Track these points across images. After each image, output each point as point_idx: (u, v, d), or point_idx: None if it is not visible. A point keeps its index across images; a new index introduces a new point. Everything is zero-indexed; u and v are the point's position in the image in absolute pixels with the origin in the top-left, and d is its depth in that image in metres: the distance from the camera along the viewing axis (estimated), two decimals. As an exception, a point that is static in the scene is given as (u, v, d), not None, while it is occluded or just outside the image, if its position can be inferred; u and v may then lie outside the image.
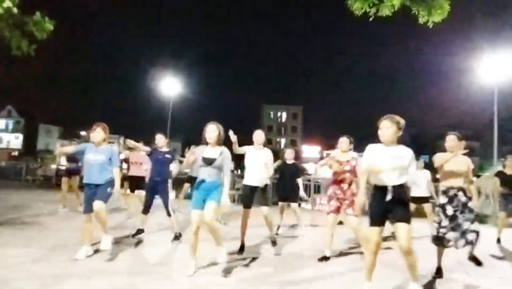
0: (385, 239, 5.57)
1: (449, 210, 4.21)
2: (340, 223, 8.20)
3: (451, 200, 4.23)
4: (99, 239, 4.57)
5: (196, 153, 4.22)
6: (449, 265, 4.58)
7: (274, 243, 5.20)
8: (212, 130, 4.09)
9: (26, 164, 19.71)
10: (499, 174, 6.77)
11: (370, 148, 3.56)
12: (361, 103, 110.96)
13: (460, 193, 4.24)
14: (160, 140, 5.81)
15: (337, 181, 4.94)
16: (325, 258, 4.87)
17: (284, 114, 66.94)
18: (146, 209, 5.65)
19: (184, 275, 3.90)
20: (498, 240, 6.68)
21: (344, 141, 5.03)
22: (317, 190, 12.94)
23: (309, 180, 12.71)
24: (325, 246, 4.95)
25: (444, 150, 4.38)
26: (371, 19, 4.81)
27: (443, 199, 4.28)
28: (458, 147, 4.27)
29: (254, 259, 4.76)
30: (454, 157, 4.19)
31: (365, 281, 3.49)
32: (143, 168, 8.27)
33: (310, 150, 55.76)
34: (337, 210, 4.89)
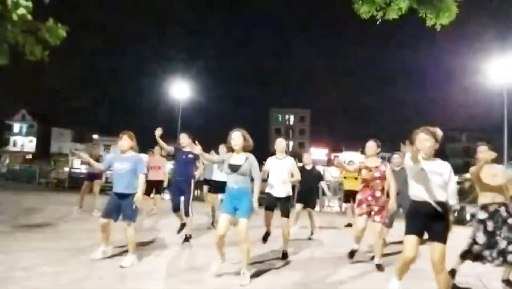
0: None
1: (490, 227, 3.94)
2: (349, 225, 8.29)
3: (491, 215, 3.96)
4: (116, 242, 4.66)
5: (224, 159, 4.25)
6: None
7: (285, 256, 5.06)
8: (237, 137, 4.09)
9: (39, 167, 20.01)
10: None
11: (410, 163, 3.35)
12: (368, 106, 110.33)
13: (502, 208, 3.97)
14: (184, 139, 5.79)
15: (368, 187, 4.80)
16: (352, 252, 5.00)
17: (292, 118, 66.84)
18: (176, 209, 5.70)
19: (206, 279, 3.97)
20: None
21: (371, 146, 4.87)
22: (324, 192, 12.93)
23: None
24: (355, 242, 5.01)
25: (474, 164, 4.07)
26: (378, 22, 4.83)
27: (482, 215, 4.00)
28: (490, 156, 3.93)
29: (270, 264, 4.81)
30: (489, 168, 3.99)
31: (397, 280, 3.48)
32: (161, 172, 8.43)
33: (318, 153, 55.51)
34: (368, 214, 4.78)
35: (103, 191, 11.09)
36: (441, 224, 3.23)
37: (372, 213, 4.75)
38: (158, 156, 8.49)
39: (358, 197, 4.94)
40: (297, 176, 5.18)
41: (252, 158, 4.15)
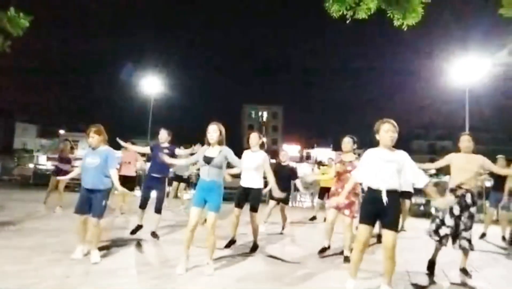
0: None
1: (456, 210, 4.26)
2: (314, 218, 8.58)
3: (458, 200, 4.26)
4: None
5: (199, 152, 4.31)
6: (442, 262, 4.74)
7: (255, 248, 5.17)
8: (213, 131, 4.15)
9: (1, 163, 19.14)
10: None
11: (370, 151, 3.56)
12: (339, 103, 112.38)
13: (468, 195, 4.29)
14: (162, 135, 5.80)
15: (340, 180, 5.01)
16: (323, 249, 5.08)
17: (265, 114, 67.14)
18: (143, 205, 5.65)
19: (174, 274, 3.94)
20: (484, 235, 7.06)
21: (348, 142, 5.08)
22: (296, 188, 13.15)
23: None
24: (325, 237, 5.13)
25: (458, 151, 4.53)
26: (348, 21, 4.93)
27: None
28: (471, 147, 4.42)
29: (241, 257, 4.84)
30: (465, 155, 4.37)
31: (349, 277, 3.53)
32: (133, 167, 8.28)
33: (290, 149, 56.15)
34: (337, 207, 4.95)
35: (69, 187, 10.83)
36: (393, 211, 3.35)
37: (342, 205, 4.88)
38: (132, 151, 8.35)
39: (332, 189, 5.16)
40: (271, 177, 4.96)
41: (226, 150, 4.19)
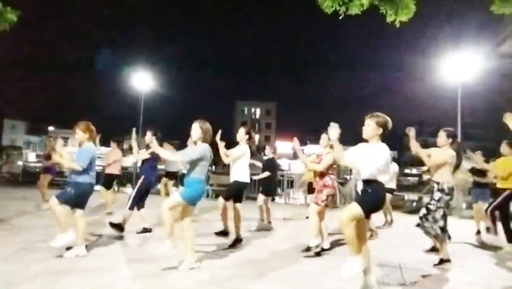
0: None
1: (427, 200, 4.70)
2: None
3: (429, 191, 4.70)
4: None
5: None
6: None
7: (238, 241, 5.22)
8: (194, 129, 4.18)
9: (-11, 161, 18.87)
10: (471, 169, 7.11)
11: (358, 145, 3.66)
12: (332, 100, 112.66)
13: (435, 186, 4.60)
14: (146, 137, 5.83)
15: (315, 174, 5.20)
16: (308, 248, 5.00)
17: (258, 111, 67.13)
18: (139, 207, 5.72)
19: (161, 271, 3.91)
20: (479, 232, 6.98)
21: (324, 138, 5.21)
22: (291, 184, 13.19)
23: (283, 175, 12.92)
24: (310, 235, 5.05)
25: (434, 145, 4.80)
26: (340, 17, 4.91)
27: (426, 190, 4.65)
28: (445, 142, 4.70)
29: (229, 253, 4.81)
30: (438, 150, 4.67)
31: (355, 256, 3.28)
32: (118, 166, 8.21)
33: (283, 146, 56.22)
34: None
35: (56, 185, 10.70)
36: (367, 196, 3.36)
37: (314, 195, 5.16)
38: (117, 149, 8.29)
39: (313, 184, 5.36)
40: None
41: (200, 144, 4.16)
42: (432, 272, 4.35)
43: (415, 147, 4.78)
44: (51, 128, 54.02)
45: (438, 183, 4.59)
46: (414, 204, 12.39)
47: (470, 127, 41.35)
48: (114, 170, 8.14)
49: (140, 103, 15.59)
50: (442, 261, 4.55)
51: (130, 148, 6.64)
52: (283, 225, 7.29)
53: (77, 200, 4.44)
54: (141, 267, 4.04)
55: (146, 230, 5.69)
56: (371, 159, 3.38)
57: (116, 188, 9.33)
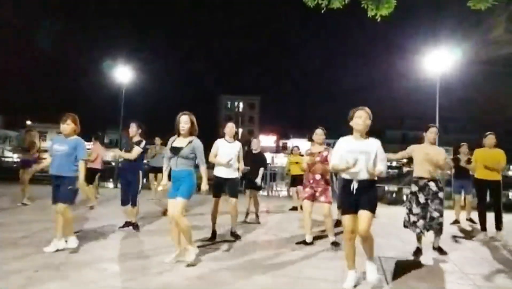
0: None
1: (421, 198, 4.59)
2: (294, 208, 8.61)
3: (421, 189, 4.60)
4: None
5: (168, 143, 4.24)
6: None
7: (236, 236, 5.26)
8: (184, 122, 4.09)
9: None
10: (455, 160, 7.33)
11: (340, 140, 3.58)
12: (314, 94, 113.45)
13: (431, 183, 4.60)
14: (131, 129, 5.73)
15: (310, 171, 5.11)
16: (304, 242, 5.05)
17: (241, 104, 66.91)
18: (124, 202, 5.63)
19: (149, 266, 3.88)
20: (457, 221, 7.38)
21: (321, 133, 5.18)
22: (273, 178, 13.30)
23: (266, 169, 13.01)
24: (306, 231, 5.13)
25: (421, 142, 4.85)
26: (323, 11, 4.94)
27: (414, 188, 4.67)
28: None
29: (217, 246, 4.82)
30: (427, 147, 4.70)
31: (349, 270, 3.48)
32: (99, 161, 8.08)
33: (267, 140, 56.43)
34: (311, 197, 5.05)
35: (37, 180, 10.52)
36: (367, 197, 3.39)
37: (317, 194, 5.02)
38: (97, 144, 8.16)
39: (304, 181, 5.26)
40: (242, 163, 5.42)
41: (196, 142, 4.14)
42: (410, 261, 4.47)
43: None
44: (28, 122, 52.50)
45: (436, 181, 4.65)
46: (394, 195, 12.67)
47: (447, 120, 42.46)
48: (97, 164, 8.04)
49: (121, 96, 15.28)
50: (419, 251, 4.68)
51: (111, 143, 6.56)
52: (265, 218, 7.34)
53: (75, 194, 4.40)
54: (127, 262, 4.01)
55: (127, 224, 5.63)
56: (379, 158, 3.42)
57: (97, 183, 9.17)
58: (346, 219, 3.43)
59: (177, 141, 4.12)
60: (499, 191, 6.02)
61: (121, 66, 15.38)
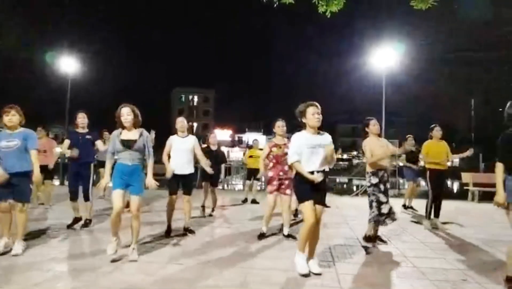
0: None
1: (382, 187, 4.74)
2: (245, 200, 8.76)
3: (381, 179, 4.75)
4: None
5: (110, 138, 4.07)
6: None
7: (190, 231, 5.21)
8: (127, 113, 3.94)
9: None
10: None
11: (298, 137, 3.65)
12: (268, 88, 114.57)
13: (385, 173, 4.82)
14: (82, 120, 5.42)
15: (279, 163, 5.09)
16: (262, 235, 5.08)
17: (196, 98, 65.96)
18: (74, 196, 5.36)
19: (100, 263, 3.76)
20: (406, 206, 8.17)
21: (283, 125, 5.23)
22: (229, 171, 13.35)
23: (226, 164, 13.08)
24: (264, 224, 5.17)
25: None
26: (275, 5, 5.02)
27: (374, 179, 4.74)
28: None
29: (170, 241, 4.77)
30: (379, 140, 4.92)
31: (298, 252, 3.63)
32: (49, 156, 7.56)
33: (222, 134, 56.26)
34: (278, 189, 5.08)
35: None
36: (322, 189, 3.66)
37: (283, 186, 5.06)
38: (45, 138, 7.67)
39: (270, 174, 5.19)
40: (203, 157, 5.28)
41: (146, 134, 4.06)
42: (358, 248, 4.72)
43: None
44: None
45: (385, 169, 4.88)
46: (344, 186, 13.26)
47: (394, 115, 44.85)
48: (49, 160, 7.50)
49: (67, 89, 14.48)
50: (368, 238, 4.90)
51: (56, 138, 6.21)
52: (220, 211, 7.36)
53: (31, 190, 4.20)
54: (77, 260, 3.86)
55: (76, 221, 5.39)
56: (333, 150, 3.64)
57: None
58: (309, 208, 3.54)
59: (126, 135, 3.96)
60: (444, 181, 6.50)
61: (66, 57, 14.54)
